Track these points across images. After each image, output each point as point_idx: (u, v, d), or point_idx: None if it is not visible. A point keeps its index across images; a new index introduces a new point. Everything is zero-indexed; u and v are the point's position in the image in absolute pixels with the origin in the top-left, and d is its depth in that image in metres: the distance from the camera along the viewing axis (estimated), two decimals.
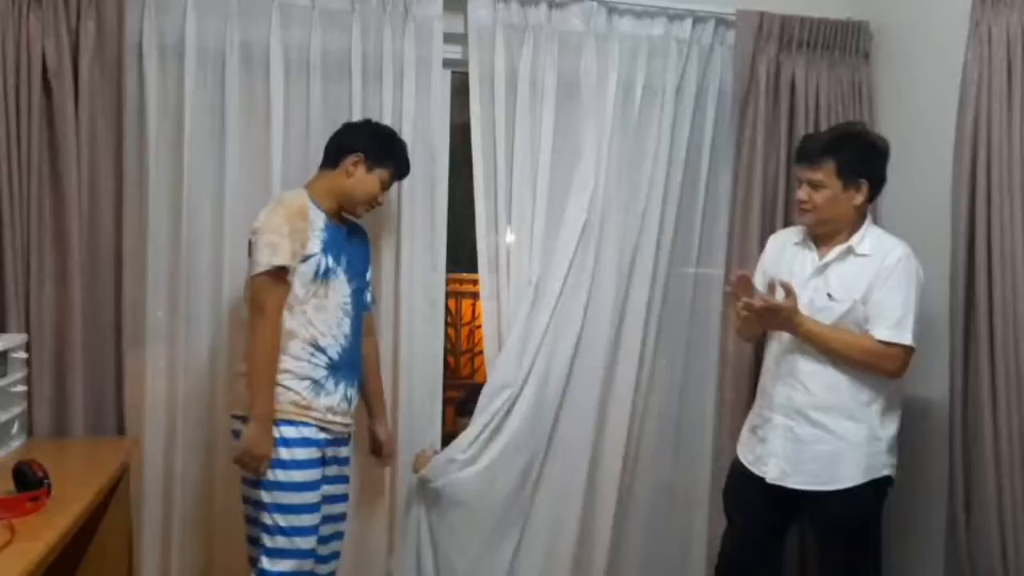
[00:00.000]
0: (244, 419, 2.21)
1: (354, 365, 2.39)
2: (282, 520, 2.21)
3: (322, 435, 2.28)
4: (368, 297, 2.49)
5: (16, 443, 2.31)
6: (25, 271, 2.42)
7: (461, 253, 2.83)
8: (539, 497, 2.84)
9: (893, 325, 2.21)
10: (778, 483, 2.34)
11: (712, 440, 2.94)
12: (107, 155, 2.46)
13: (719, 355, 2.93)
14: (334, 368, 2.30)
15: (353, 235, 2.45)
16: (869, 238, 2.30)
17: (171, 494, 2.60)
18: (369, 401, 2.57)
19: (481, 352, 3.13)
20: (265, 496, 2.21)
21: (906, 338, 2.23)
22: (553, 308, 2.80)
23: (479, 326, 3.50)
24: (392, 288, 2.71)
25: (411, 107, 2.69)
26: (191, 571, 2.63)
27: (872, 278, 2.25)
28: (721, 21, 2.93)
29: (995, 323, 2.29)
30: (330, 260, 2.29)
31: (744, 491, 2.45)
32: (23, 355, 2.37)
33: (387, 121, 2.66)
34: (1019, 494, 2.23)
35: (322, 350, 2.28)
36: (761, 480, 2.37)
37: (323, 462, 2.31)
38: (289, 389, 2.23)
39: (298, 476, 2.22)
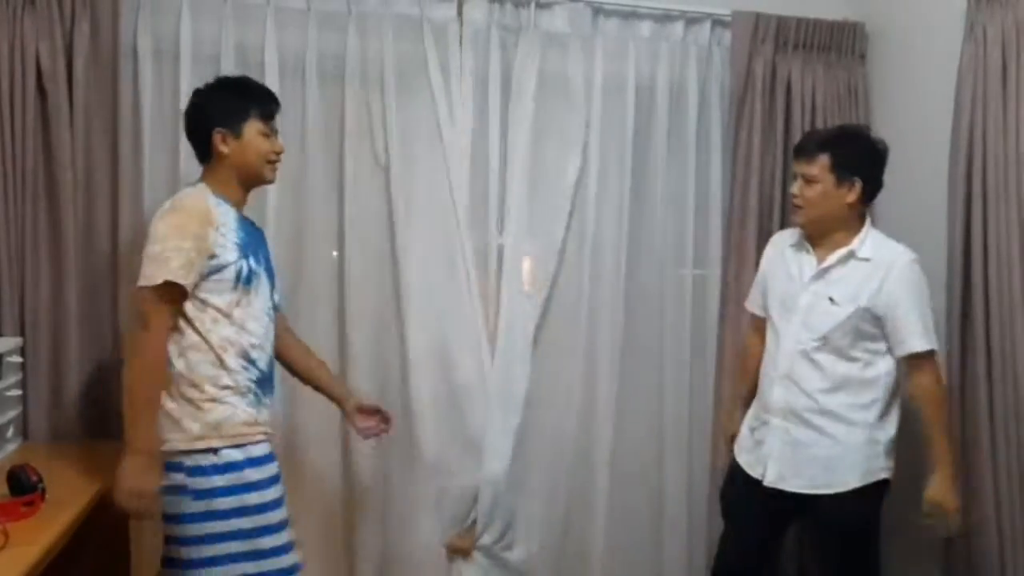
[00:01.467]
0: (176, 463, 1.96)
1: (274, 374, 2.17)
2: (270, 542, 2.00)
3: (268, 449, 2.06)
4: (276, 296, 2.19)
5: (11, 447, 2.31)
6: (20, 274, 2.41)
7: None
8: (533, 499, 2.83)
9: (923, 334, 2.22)
10: (775, 486, 2.33)
11: (710, 442, 2.93)
12: (102, 158, 2.45)
13: (716, 357, 2.93)
14: (264, 380, 2.07)
15: (255, 227, 2.19)
16: (870, 242, 2.29)
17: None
18: (332, 390, 2.38)
19: None
20: (247, 523, 1.98)
21: (933, 342, 2.24)
22: (545, 311, 2.81)
23: None
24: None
25: (409, 110, 2.68)
26: None
27: (878, 286, 2.23)
28: (718, 22, 2.94)
29: (991, 325, 2.30)
30: (252, 262, 2.04)
31: (742, 493, 2.45)
32: (18, 359, 2.37)
33: (385, 126, 2.65)
34: (1016, 496, 2.23)
35: (252, 362, 2.03)
36: (759, 483, 2.36)
37: None
38: (236, 407, 1.99)
39: (273, 494, 2.02)
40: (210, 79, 2.52)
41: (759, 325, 2.54)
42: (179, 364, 1.97)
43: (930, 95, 2.64)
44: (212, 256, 1.96)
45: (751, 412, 2.48)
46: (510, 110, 2.77)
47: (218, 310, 1.98)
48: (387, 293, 2.72)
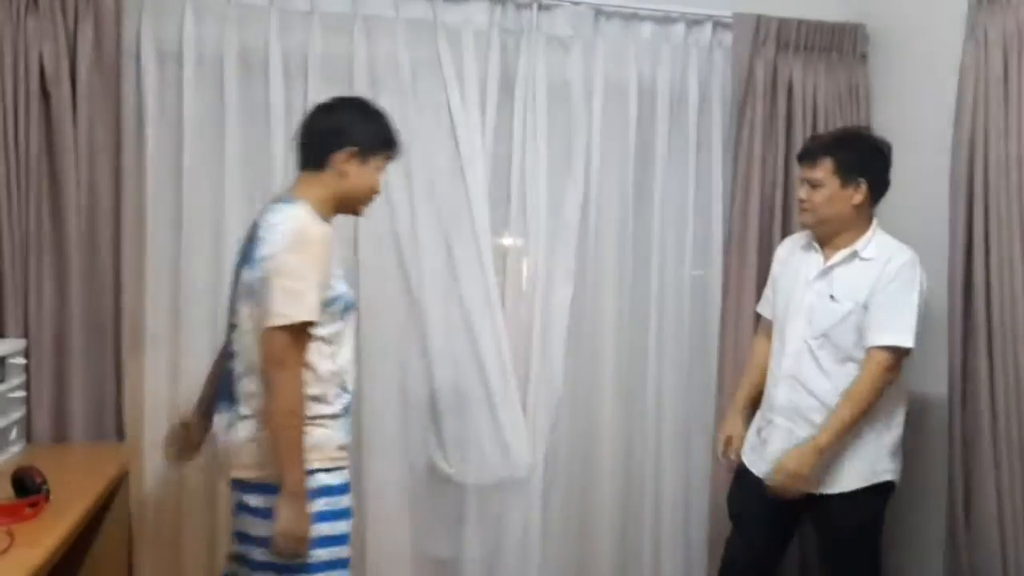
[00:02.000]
0: (252, 486, 1.90)
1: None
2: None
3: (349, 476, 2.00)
4: None
5: (15, 449, 2.31)
6: (24, 276, 2.41)
7: None
8: (538, 500, 2.83)
9: (893, 329, 2.21)
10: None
11: (712, 442, 2.93)
12: (105, 160, 2.45)
13: (718, 357, 2.93)
14: (349, 406, 2.02)
15: None
16: (875, 243, 2.30)
17: (170, 500, 2.59)
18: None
19: None
20: (318, 555, 1.87)
21: (906, 340, 2.22)
22: (549, 311, 2.81)
23: None
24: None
25: (413, 113, 2.69)
26: None
27: (874, 282, 2.25)
28: (719, 24, 2.94)
29: (993, 325, 2.30)
30: (351, 290, 2.01)
31: (747, 493, 2.45)
32: (22, 361, 2.37)
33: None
34: (1018, 495, 2.23)
35: (345, 388, 1.99)
36: (764, 482, 2.36)
37: None
38: (332, 431, 1.93)
39: (344, 527, 1.94)
40: (213, 82, 2.54)
41: (766, 327, 2.54)
42: None
43: (931, 96, 2.65)
44: (329, 287, 1.91)
45: (758, 412, 2.48)
46: (511, 112, 2.78)
47: (323, 340, 1.90)
48: (394, 293, 2.72)
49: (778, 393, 2.36)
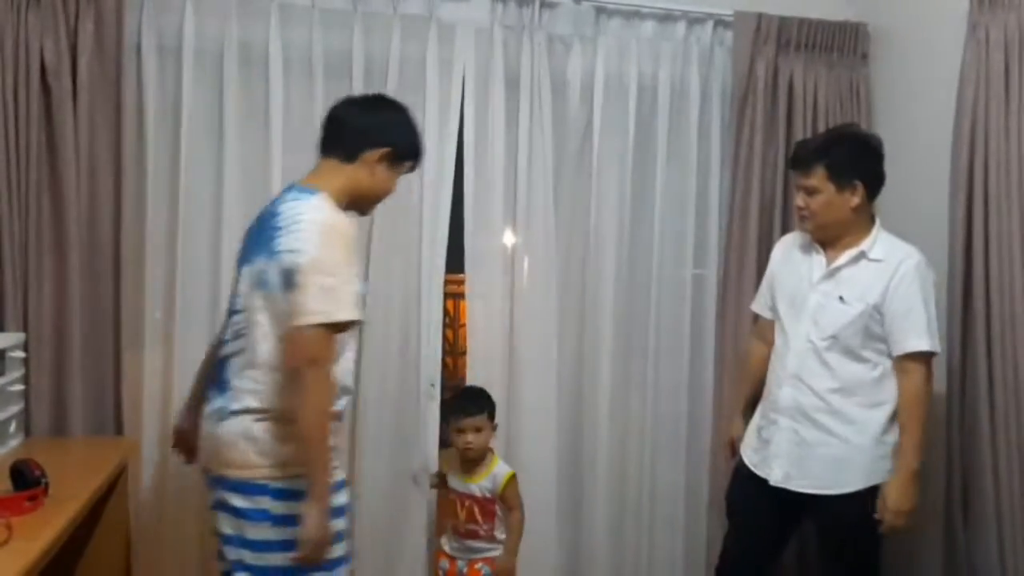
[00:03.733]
0: (236, 485, 1.83)
1: None
2: (345, 572, 1.90)
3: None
4: None
5: (14, 442, 2.31)
6: (23, 270, 2.41)
7: (451, 253, 2.83)
8: (531, 497, 2.83)
9: (924, 334, 2.21)
10: (782, 486, 2.33)
11: (709, 440, 2.94)
12: (106, 155, 2.45)
13: (716, 355, 2.94)
14: (346, 406, 1.99)
15: None
16: (881, 243, 2.29)
17: (169, 494, 2.59)
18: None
19: None
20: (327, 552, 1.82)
21: (937, 345, 2.23)
22: (549, 307, 2.81)
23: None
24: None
25: (414, 109, 2.68)
26: (188, 571, 2.62)
27: (887, 285, 2.23)
28: (720, 22, 2.94)
29: (992, 324, 2.30)
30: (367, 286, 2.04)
31: (748, 493, 2.44)
32: (21, 354, 2.37)
33: None
34: (1016, 495, 2.23)
35: (345, 388, 1.94)
36: (765, 482, 2.36)
37: None
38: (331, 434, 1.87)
39: (341, 524, 1.89)
40: (214, 77, 2.54)
41: (763, 328, 2.54)
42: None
43: (932, 96, 2.65)
44: (357, 285, 1.84)
45: (758, 412, 2.47)
46: (513, 110, 2.78)
47: (338, 341, 1.83)
48: (388, 290, 2.72)
49: (782, 393, 2.35)
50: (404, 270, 2.73)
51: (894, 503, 2.19)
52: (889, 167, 2.37)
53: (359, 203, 1.99)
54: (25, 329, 2.41)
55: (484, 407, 2.53)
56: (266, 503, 1.82)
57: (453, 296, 3.42)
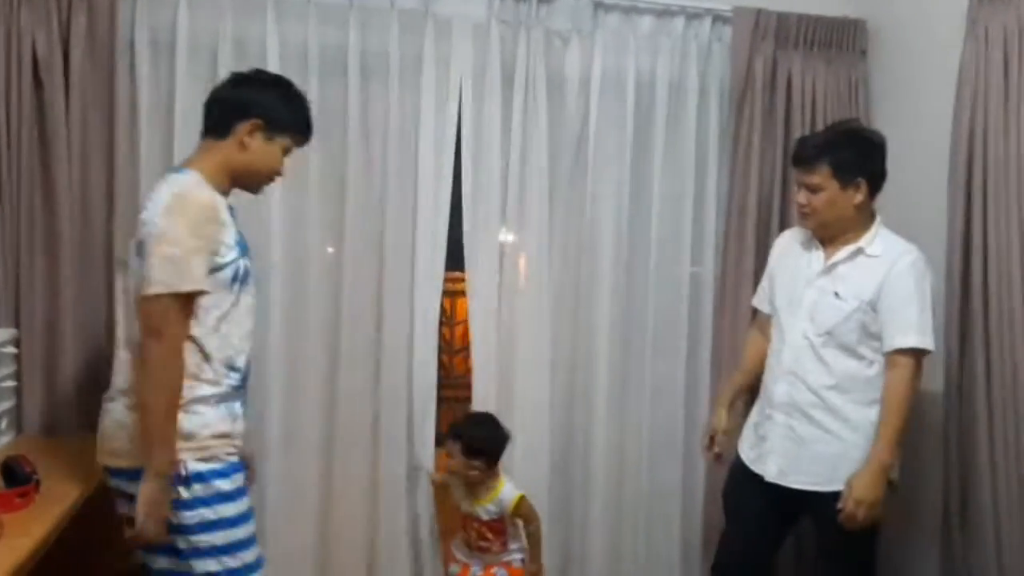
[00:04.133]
0: (125, 473, 1.79)
1: (250, 377, 2.00)
2: (233, 561, 1.83)
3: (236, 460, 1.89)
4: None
5: (5, 439, 2.30)
6: (15, 266, 2.40)
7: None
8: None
9: (914, 331, 2.19)
10: (777, 482, 2.33)
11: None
12: (98, 150, 2.44)
13: (713, 353, 2.93)
14: (242, 387, 1.92)
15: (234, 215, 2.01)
16: (880, 240, 2.28)
17: None
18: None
19: None
20: (203, 540, 1.80)
21: (928, 343, 2.21)
22: (545, 304, 2.80)
23: None
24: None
25: (410, 105, 2.68)
26: None
27: (882, 282, 2.22)
28: (718, 18, 2.93)
29: (990, 323, 2.29)
30: (246, 261, 1.89)
31: (744, 489, 2.44)
32: (12, 350, 2.36)
33: (387, 119, 2.65)
34: (1014, 495, 2.23)
35: (236, 369, 1.87)
36: (761, 479, 2.36)
37: None
38: (208, 417, 1.81)
39: (243, 506, 1.86)
40: (208, 72, 2.52)
41: (762, 322, 2.53)
42: None
43: (931, 92, 2.64)
44: (217, 253, 1.80)
45: (755, 408, 2.47)
46: (510, 105, 2.76)
47: (208, 313, 1.80)
48: (386, 288, 2.71)
49: (777, 389, 2.35)
50: (400, 267, 2.71)
51: (858, 492, 2.16)
52: (888, 163, 2.36)
53: (242, 180, 1.95)
54: (17, 325, 2.40)
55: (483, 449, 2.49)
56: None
57: (449, 294, 3.42)
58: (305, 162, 2.57)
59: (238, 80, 1.98)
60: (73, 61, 2.39)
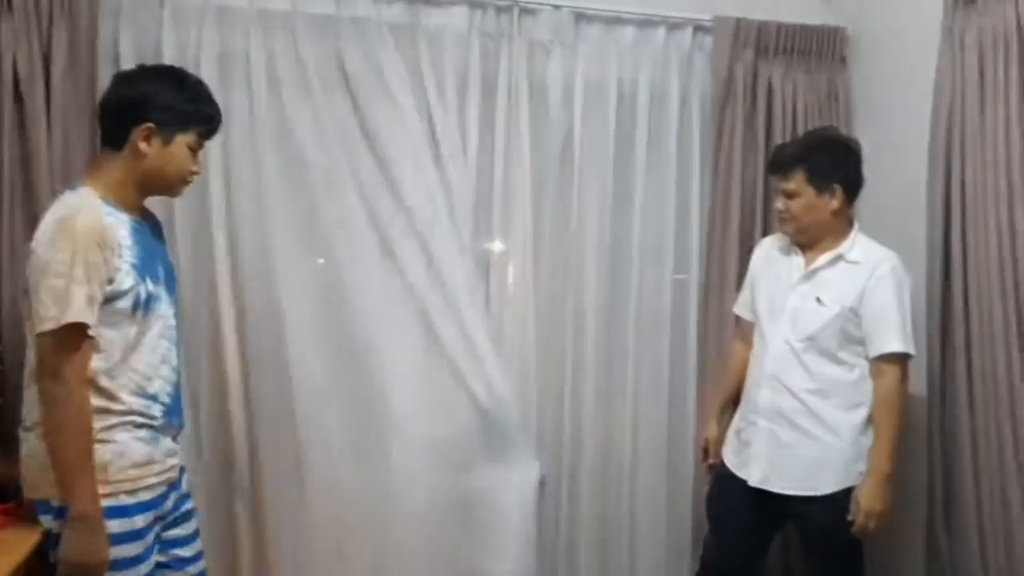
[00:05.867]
0: (39, 506, 1.73)
1: (181, 396, 1.93)
2: None
3: (159, 490, 1.81)
4: (174, 306, 1.91)
5: None
6: None
7: None
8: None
9: (898, 336, 2.23)
10: (761, 487, 2.35)
11: (692, 446, 2.93)
12: (80, 167, 2.39)
13: (697, 360, 2.94)
14: (168, 411, 1.83)
15: (154, 228, 1.93)
16: (859, 246, 2.32)
17: None
18: None
19: None
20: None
21: (911, 347, 2.25)
22: (529, 313, 2.81)
23: None
24: None
25: (394, 116, 2.68)
26: None
27: (863, 288, 2.25)
28: (699, 27, 2.95)
29: (971, 326, 2.31)
30: (149, 285, 1.76)
31: (728, 495, 2.46)
32: None
33: (371, 131, 2.66)
34: (997, 496, 2.24)
35: (153, 397, 1.79)
36: (745, 484, 2.37)
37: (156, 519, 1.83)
38: (126, 446, 1.73)
39: (134, 550, 1.75)
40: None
41: (745, 330, 2.55)
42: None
43: (911, 99, 2.66)
44: (107, 281, 1.69)
45: (738, 414, 2.49)
46: (492, 116, 2.78)
47: (111, 343, 1.71)
48: (372, 299, 2.70)
49: (760, 395, 2.37)
50: (386, 278, 2.71)
51: (866, 505, 2.20)
52: (867, 170, 2.39)
53: (152, 187, 1.85)
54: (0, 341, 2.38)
55: None
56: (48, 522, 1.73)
57: None
58: (298, 179, 2.57)
59: (122, 79, 1.86)
60: (54, 76, 2.38)
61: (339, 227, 2.67)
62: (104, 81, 2.43)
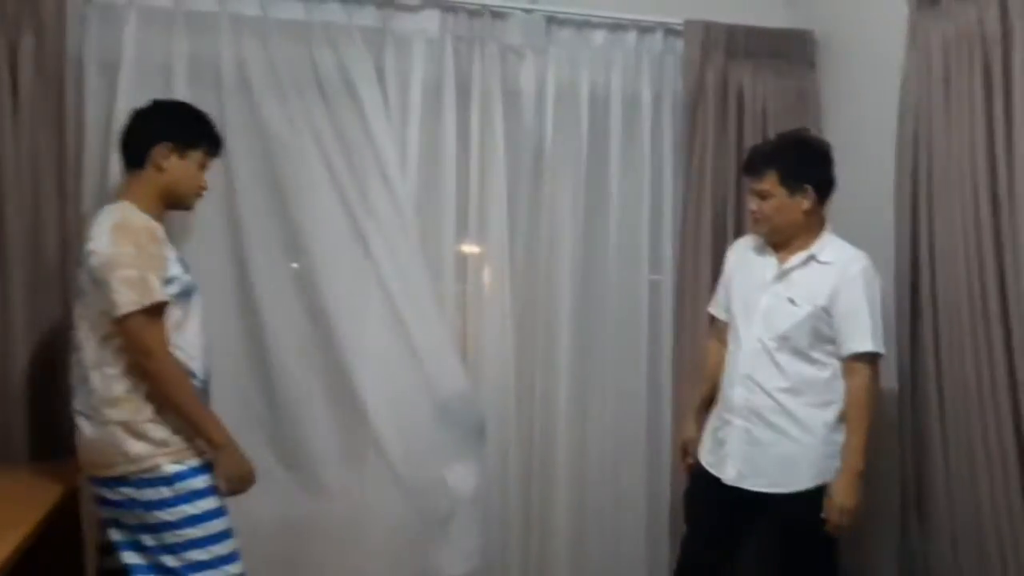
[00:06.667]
0: (106, 481, 2.01)
1: (210, 384, 2.17)
2: (219, 550, 2.03)
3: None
4: None
5: None
6: None
7: None
8: (492, 505, 2.81)
9: (869, 336, 2.26)
10: (736, 485, 2.37)
11: (670, 446, 2.95)
12: (48, 172, 2.40)
13: (672, 361, 2.95)
14: (203, 391, 2.10)
15: None
16: (831, 247, 2.35)
17: None
18: None
19: None
20: (199, 531, 2.01)
21: (881, 346, 2.29)
22: (504, 316, 2.81)
23: None
24: None
25: (367, 120, 2.67)
26: None
27: (834, 287, 2.28)
28: (670, 31, 2.97)
29: (939, 324, 2.34)
30: (190, 276, 2.10)
31: (704, 493, 2.48)
32: None
33: (344, 135, 2.65)
34: (967, 487, 2.27)
35: (192, 374, 2.06)
36: (719, 482, 2.39)
37: None
38: (172, 424, 2.01)
39: (215, 502, 2.05)
40: (161, 92, 2.50)
41: (720, 330, 2.57)
42: (119, 387, 1.99)
43: (878, 101, 2.69)
44: (164, 269, 2.01)
45: (714, 413, 2.51)
46: (467, 120, 2.78)
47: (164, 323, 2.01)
48: (349, 302, 2.69)
49: (735, 394, 2.39)
50: (361, 283, 2.70)
51: (839, 502, 2.23)
52: (837, 171, 2.42)
53: (171, 200, 2.15)
54: None
55: None
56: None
57: None
58: (266, 182, 2.55)
59: (140, 114, 2.17)
60: (21, 82, 2.35)
61: (313, 229, 2.65)
62: (70, 87, 2.43)
